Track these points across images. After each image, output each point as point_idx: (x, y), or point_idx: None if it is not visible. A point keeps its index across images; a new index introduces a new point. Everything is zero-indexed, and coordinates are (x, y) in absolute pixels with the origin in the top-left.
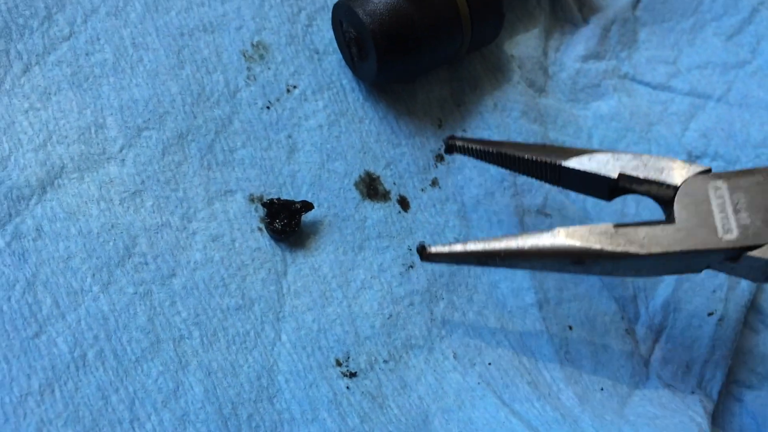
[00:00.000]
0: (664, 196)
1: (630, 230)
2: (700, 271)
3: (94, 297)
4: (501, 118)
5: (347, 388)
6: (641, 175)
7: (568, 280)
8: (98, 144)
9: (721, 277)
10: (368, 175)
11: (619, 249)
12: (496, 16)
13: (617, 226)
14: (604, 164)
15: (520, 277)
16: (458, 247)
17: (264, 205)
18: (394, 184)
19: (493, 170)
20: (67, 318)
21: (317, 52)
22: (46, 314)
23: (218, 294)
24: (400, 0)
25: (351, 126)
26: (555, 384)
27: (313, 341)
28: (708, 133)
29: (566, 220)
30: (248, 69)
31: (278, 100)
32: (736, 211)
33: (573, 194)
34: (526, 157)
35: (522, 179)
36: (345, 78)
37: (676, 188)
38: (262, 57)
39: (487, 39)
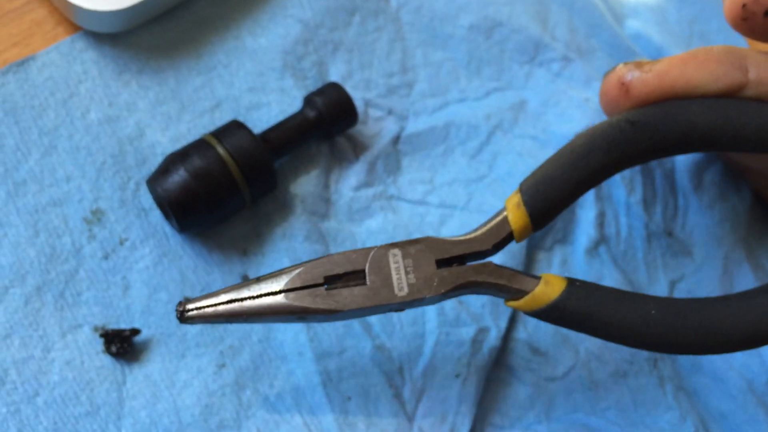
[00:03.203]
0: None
1: (336, 291)
2: (388, 312)
3: None
4: (289, 243)
5: None
6: (342, 271)
7: (347, 363)
8: None
9: (466, 348)
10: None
11: (327, 307)
12: (269, 177)
13: (329, 288)
14: (309, 275)
15: (309, 362)
16: (209, 311)
17: (101, 336)
18: None
19: None
20: None
21: (144, 210)
22: None
23: (72, 404)
24: (187, 179)
25: (172, 264)
26: None
27: (146, 431)
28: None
29: None
30: (89, 230)
31: (114, 251)
32: (406, 273)
33: None
34: (248, 303)
35: None
36: (167, 227)
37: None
38: (99, 219)
39: (266, 191)
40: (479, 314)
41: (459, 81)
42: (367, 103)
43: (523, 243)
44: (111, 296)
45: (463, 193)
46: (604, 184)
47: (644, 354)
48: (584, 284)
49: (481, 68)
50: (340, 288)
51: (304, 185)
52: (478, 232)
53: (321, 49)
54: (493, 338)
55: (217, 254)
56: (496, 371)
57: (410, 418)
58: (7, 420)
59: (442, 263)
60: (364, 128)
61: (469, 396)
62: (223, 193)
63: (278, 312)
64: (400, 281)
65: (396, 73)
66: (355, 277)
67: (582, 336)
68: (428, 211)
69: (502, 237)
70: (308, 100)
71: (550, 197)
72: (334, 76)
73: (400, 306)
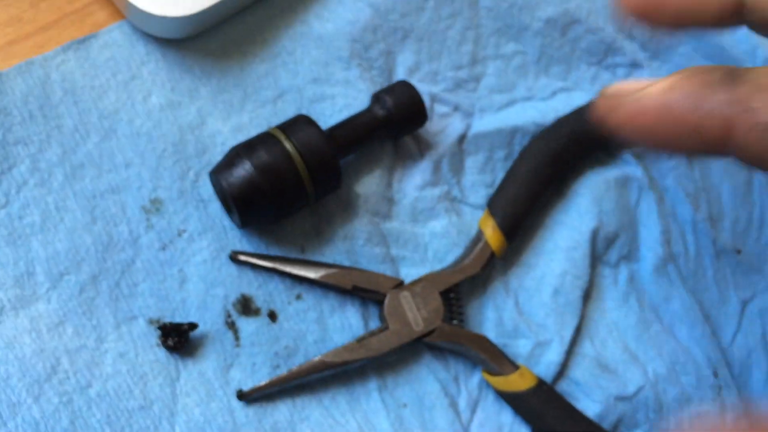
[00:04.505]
0: (377, 299)
1: (366, 341)
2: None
3: (28, 407)
4: (350, 245)
5: None
6: (365, 287)
7: (403, 369)
8: (30, 287)
9: (522, 360)
10: (243, 296)
11: (362, 356)
12: (334, 176)
13: (359, 339)
14: (341, 278)
15: (364, 367)
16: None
17: (159, 328)
18: (265, 301)
19: None
20: (8, 425)
21: (203, 201)
22: None
23: (125, 398)
24: (252, 174)
25: (230, 258)
26: None
27: (200, 430)
28: None
29: None
30: (147, 219)
31: (171, 242)
32: (418, 309)
33: None
34: (292, 273)
35: None
36: (226, 220)
37: (384, 294)
38: (158, 209)
39: (330, 189)
40: (541, 325)
41: (527, 78)
42: (434, 98)
43: (586, 255)
44: (167, 289)
45: None
46: (667, 202)
47: (710, 380)
48: (549, 390)
49: (550, 66)
50: (369, 337)
51: (368, 184)
52: (467, 260)
53: (390, 36)
54: (554, 352)
55: (275, 251)
56: (562, 385)
57: (465, 428)
58: (60, 410)
59: (444, 293)
60: (429, 125)
61: None
62: (287, 189)
63: (322, 370)
64: (416, 318)
65: (465, 65)
66: (376, 297)
67: (650, 355)
68: None
69: (486, 259)
70: (377, 98)
71: (517, 214)
72: (401, 66)
73: (419, 340)
